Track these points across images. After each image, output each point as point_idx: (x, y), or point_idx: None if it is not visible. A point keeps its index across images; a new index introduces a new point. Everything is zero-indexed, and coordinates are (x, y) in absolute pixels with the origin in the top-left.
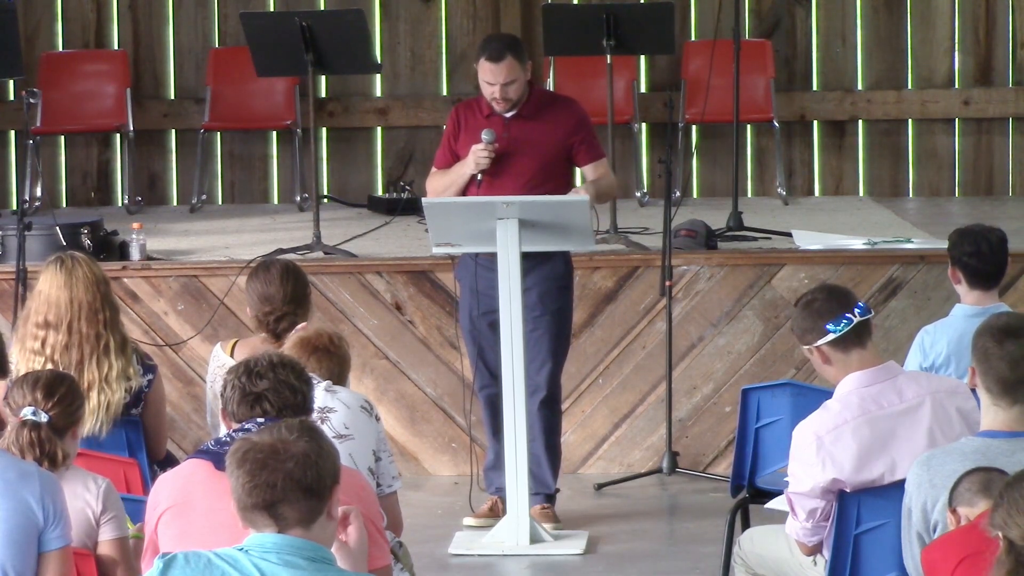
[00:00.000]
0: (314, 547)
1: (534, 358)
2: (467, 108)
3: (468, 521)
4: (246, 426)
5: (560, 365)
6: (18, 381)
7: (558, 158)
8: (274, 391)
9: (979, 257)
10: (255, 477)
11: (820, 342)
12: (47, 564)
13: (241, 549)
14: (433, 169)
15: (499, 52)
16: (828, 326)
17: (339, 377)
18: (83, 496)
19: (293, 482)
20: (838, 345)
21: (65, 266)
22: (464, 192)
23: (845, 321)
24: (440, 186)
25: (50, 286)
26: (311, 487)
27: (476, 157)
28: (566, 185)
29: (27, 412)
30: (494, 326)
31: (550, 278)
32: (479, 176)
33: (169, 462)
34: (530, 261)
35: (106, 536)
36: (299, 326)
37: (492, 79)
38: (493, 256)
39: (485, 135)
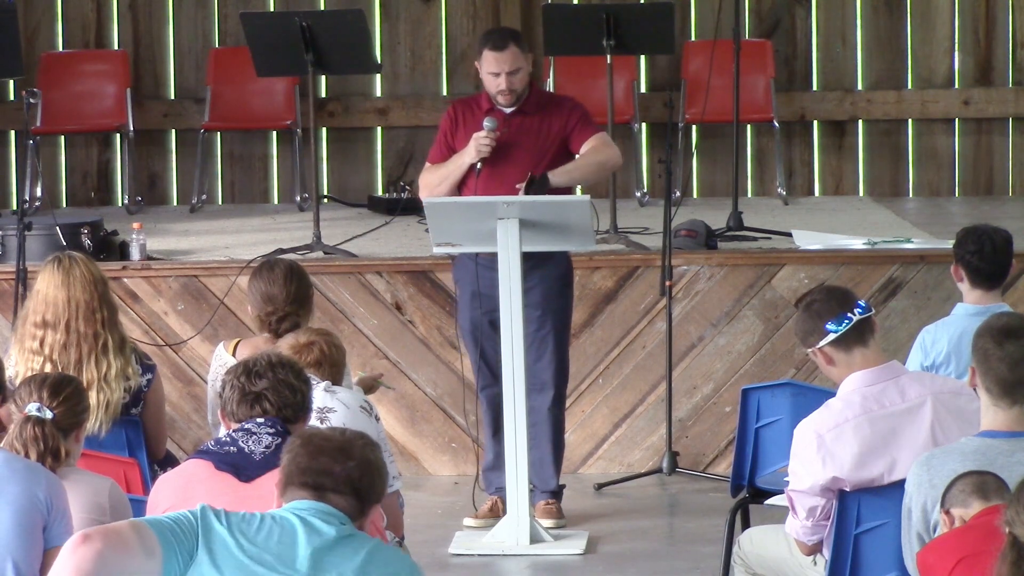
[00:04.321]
0: (345, 518)
1: (540, 356)
2: (464, 104)
3: (468, 521)
4: (246, 426)
5: (566, 363)
6: (24, 381)
7: (558, 151)
8: (273, 390)
9: (982, 257)
10: (315, 460)
11: (822, 343)
12: (53, 560)
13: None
14: (427, 165)
15: (503, 41)
16: (828, 326)
17: (335, 379)
18: (93, 499)
19: (350, 480)
20: (840, 344)
21: (62, 266)
22: (462, 183)
23: (846, 320)
24: (435, 179)
25: (47, 286)
26: (361, 492)
27: (478, 144)
28: None
29: (32, 408)
30: (496, 325)
31: (553, 277)
32: (479, 165)
33: (169, 462)
34: (533, 260)
35: None
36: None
37: (497, 68)
38: (493, 256)
39: (487, 122)
